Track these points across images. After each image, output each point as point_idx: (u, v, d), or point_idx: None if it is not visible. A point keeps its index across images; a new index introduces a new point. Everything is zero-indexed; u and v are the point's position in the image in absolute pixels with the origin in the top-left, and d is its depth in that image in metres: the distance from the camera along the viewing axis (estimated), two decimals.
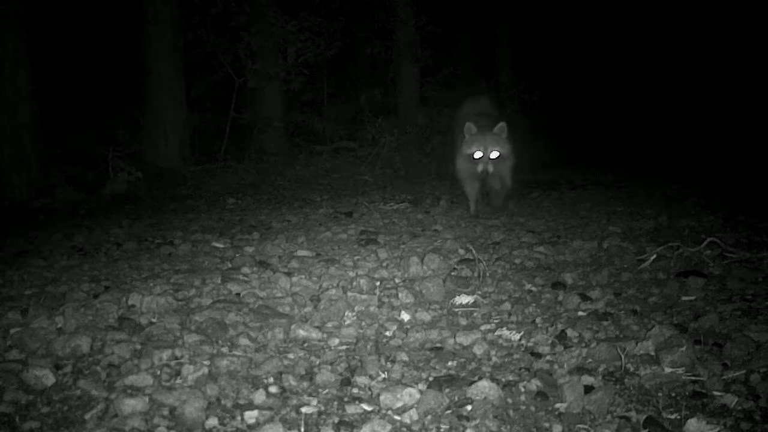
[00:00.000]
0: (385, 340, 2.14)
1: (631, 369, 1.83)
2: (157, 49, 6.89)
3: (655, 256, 2.96)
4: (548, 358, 1.93)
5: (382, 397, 1.65)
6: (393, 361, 1.92)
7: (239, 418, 1.59)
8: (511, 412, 1.62)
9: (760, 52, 10.38)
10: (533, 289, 2.67)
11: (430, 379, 1.80)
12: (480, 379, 1.72)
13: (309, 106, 9.51)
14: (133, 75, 7.29)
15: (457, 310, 2.44)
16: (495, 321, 2.30)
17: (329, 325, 2.27)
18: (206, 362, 1.86)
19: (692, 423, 1.50)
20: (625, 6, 11.80)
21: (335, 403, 1.67)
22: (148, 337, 2.09)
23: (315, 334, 2.14)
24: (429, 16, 8.67)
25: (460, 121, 4.40)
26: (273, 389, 1.73)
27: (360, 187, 6.48)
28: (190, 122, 7.39)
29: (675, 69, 11.80)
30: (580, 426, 1.54)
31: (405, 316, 2.34)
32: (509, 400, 1.67)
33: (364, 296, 2.48)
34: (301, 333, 2.14)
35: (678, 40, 11.68)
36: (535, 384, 1.74)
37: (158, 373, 1.81)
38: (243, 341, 2.06)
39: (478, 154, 4.14)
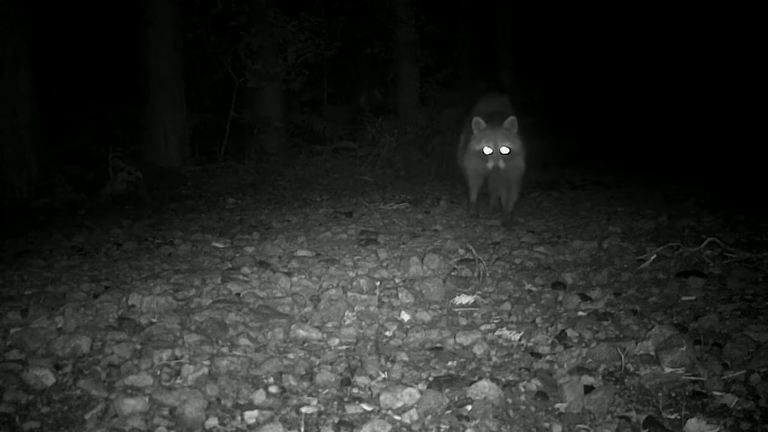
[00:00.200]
0: (385, 340, 2.14)
1: (631, 369, 1.83)
2: (157, 49, 6.88)
3: (655, 256, 2.96)
4: (548, 358, 1.93)
5: (382, 397, 1.65)
6: (393, 361, 1.93)
7: (239, 418, 1.59)
8: (511, 412, 1.62)
9: (760, 52, 10.38)
10: (533, 289, 2.67)
11: (430, 379, 1.80)
12: (480, 379, 1.72)
13: (309, 106, 9.51)
14: (133, 75, 7.29)
15: (457, 310, 2.44)
16: (495, 321, 2.30)
17: (329, 325, 2.27)
18: (206, 362, 1.86)
19: (692, 423, 1.50)
20: (625, 6, 11.80)
21: (335, 403, 1.67)
22: (148, 337, 2.09)
23: (315, 334, 2.14)
24: (429, 16, 8.66)
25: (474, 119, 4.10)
26: (273, 389, 1.73)
27: (360, 187, 6.48)
28: (190, 122, 7.39)
29: (675, 69, 11.80)
30: (580, 426, 1.54)
31: (405, 316, 2.34)
32: (509, 400, 1.67)
33: (364, 296, 2.48)
34: (301, 333, 2.14)
35: (678, 40, 11.68)
36: (535, 384, 1.74)
37: (158, 373, 1.81)
38: (243, 341, 2.06)
39: (487, 150, 3.90)
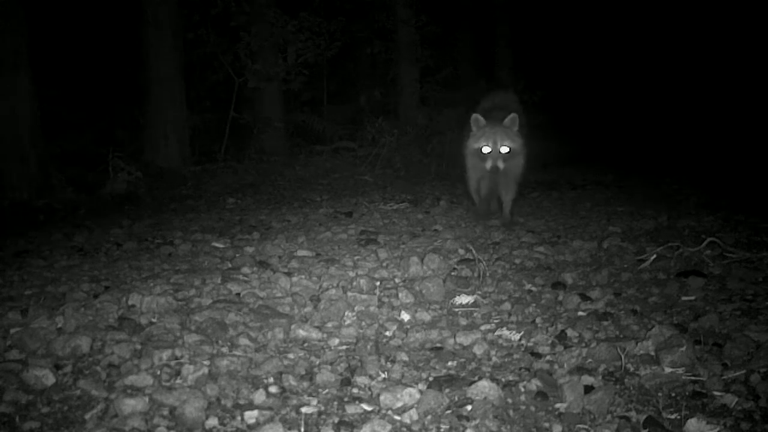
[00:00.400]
0: (385, 340, 2.14)
1: (631, 369, 1.83)
2: (157, 50, 6.88)
3: (655, 256, 2.96)
4: (548, 358, 1.93)
5: (382, 397, 1.65)
6: (393, 361, 1.93)
7: (239, 418, 1.59)
8: (511, 412, 1.62)
9: (759, 52, 10.38)
10: (533, 289, 2.67)
11: (430, 379, 1.80)
12: (480, 379, 1.72)
13: (309, 106, 9.52)
14: (133, 75, 7.29)
15: (457, 310, 2.44)
16: (495, 321, 2.30)
17: (329, 325, 2.27)
18: (206, 362, 1.86)
19: (692, 423, 1.50)
20: (625, 6, 11.80)
21: (335, 403, 1.67)
22: (148, 337, 2.09)
23: (315, 334, 2.14)
24: (429, 16, 8.67)
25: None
26: (273, 389, 1.73)
27: (360, 187, 6.48)
28: (190, 122, 7.39)
29: (675, 69, 11.80)
30: (580, 426, 1.54)
31: (405, 316, 2.34)
32: (509, 400, 1.67)
33: (364, 296, 2.48)
34: (301, 333, 2.14)
35: (678, 40, 11.68)
36: (535, 384, 1.74)
37: (158, 373, 1.81)
38: (243, 341, 2.06)
39: (486, 149, 3.71)
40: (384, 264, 3.08)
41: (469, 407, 1.62)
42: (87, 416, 1.61)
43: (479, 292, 2.61)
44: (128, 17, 7.21)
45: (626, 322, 2.20)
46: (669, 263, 2.91)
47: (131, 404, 1.60)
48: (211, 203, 5.51)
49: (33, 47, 5.55)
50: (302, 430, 1.54)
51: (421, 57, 8.77)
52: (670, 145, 10.18)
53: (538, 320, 2.27)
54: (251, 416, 1.59)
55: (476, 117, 3.79)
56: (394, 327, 2.24)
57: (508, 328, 2.17)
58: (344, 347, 2.07)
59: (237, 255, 3.29)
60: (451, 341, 2.08)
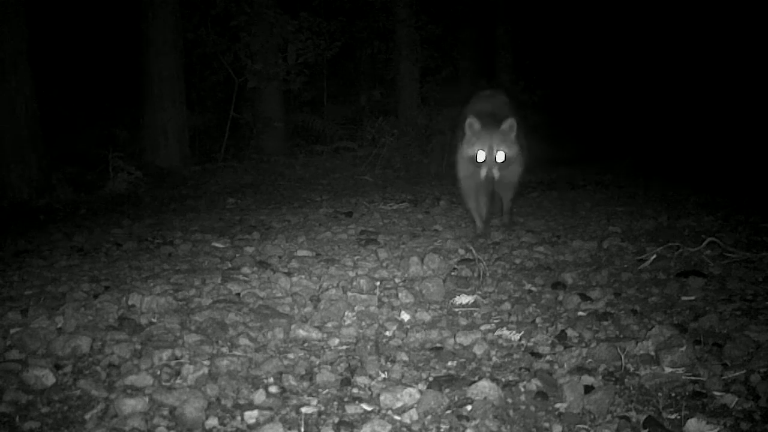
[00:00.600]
0: (385, 340, 2.14)
1: (631, 369, 1.83)
2: (157, 49, 6.89)
3: (655, 256, 2.96)
4: (548, 358, 1.93)
5: (382, 397, 1.65)
6: (393, 361, 1.93)
7: (239, 418, 1.59)
8: (511, 412, 1.62)
9: (759, 52, 10.38)
10: (533, 289, 2.67)
11: (430, 379, 1.80)
12: (480, 379, 1.72)
13: (309, 106, 9.52)
14: (133, 75, 7.29)
15: (457, 310, 2.44)
16: (495, 321, 2.30)
17: (329, 325, 2.27)
18: (206, 362, 1.86)
19: (692, 423, 1.50)
20: (625, 6, 11.80)
21: (335, 403, 1.67)
22: (148, 337, 2.09)
23: (315, 334, 2.14)
24: (429, 16, 8.67)
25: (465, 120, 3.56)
26: (273, 389, 1.73)
27: (360, 187, 6.48)
28: (190, 122, 7.40)
29: (675, 69, 11.80)
30: (580, 426, 1.54)
31: (405, 316, 2.34)
32: (509, 400, 1.67)
33: (364, 296, 2.48)
34: (301, 333, 2.14)
35: (678, 40, 11.68)
36: (535, 384, 1.74)
37: (158, 373, 1.81)
38: (243, 341, 2.06)
39: (481, 156, 3.41)
40: (384, 264, 3.08)
41: (469, 407, 1.62)
42: (87, 416, 1.61)
43: (479, 292, 2.61)
44: (128, 17, 7.22)
45: (626, 322, 2.20)
46: (669, 263, 2.91)
47: (131, 404, 1.60)
48: (211, 203, 5.51)
49: (33, 47, 5.55)
50: (302, 430, 1.54)
51: (421, 57, 8.78)
52: (670, 145, 10.18)
53: (538, 320, 2.27)
54: (251, 416, 1.59)
55: (471, 121, 3.46)
56: (394, 327, 2.24)
57: (508, 328, 2.17)
58: (344, 347, 2.07)
59: (237, 255, 3.29)
60: (451, 341, 2.08)
